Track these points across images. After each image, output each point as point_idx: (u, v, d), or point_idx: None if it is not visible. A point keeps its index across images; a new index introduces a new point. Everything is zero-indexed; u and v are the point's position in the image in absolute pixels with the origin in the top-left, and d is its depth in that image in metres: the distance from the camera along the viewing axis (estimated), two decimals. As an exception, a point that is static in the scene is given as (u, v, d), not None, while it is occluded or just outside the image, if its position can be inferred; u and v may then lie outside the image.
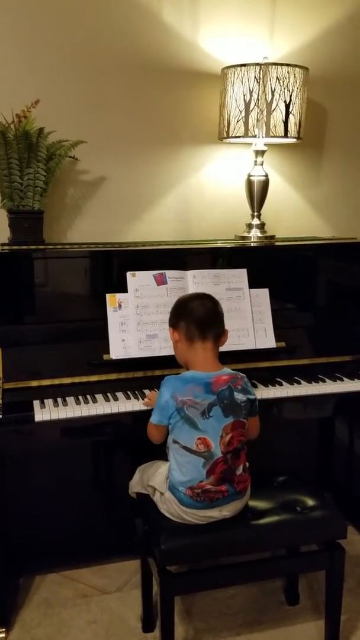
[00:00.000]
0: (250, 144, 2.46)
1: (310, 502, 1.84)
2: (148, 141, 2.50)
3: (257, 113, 2.25)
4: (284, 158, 2.70)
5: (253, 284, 2.25)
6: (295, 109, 2.28)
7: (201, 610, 2.08)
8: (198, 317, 1.73)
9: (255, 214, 2.50)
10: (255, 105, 2.25)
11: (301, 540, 1.83)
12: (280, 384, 2.17)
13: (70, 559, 2.29)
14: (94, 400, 1.98)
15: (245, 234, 2.50)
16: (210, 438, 1.66)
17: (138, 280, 2.12)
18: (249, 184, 2.46)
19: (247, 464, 1.80)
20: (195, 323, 1.73)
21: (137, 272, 2.12)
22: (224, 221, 2.63)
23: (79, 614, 2.06)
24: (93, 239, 2.44)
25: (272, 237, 2.52)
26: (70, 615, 2.05)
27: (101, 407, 1.94)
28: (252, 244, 2.47)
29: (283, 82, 2.23)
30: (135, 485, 1.92)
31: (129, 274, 2.11)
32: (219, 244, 2.40)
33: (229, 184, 2.64)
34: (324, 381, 2.21)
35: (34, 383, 2.00)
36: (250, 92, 2.24)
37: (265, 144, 2.44)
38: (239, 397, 1.70)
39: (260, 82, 2.22)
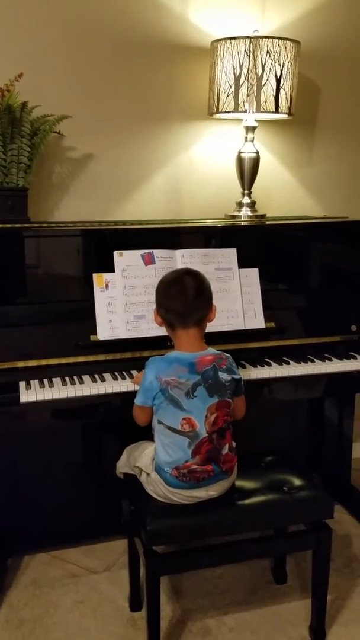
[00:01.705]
0: (240, 120, 2.41)
1: (297, 482, 1.83)
2: (137, 117, 2.44)
3: (248, 87, 2.20)
4: (276, 135, 2.65)
5: (243, 263, 2.21)
6: (286, 84, 2.23)
7: (189, 589, 2.08)
8: (176, 309, 1.68)
9: (246, 192, 2.46)
10: (245, 79, 2.19)
11: (288, 520, 1.83)
12: (269, 365, 2.15)
13: (59, 538, 2.29)
14: (81, 381, 1.96)
15: (236, 213, 2.47)
16: (195, 418, 1.64)
17: (125, 259, 2.08)
18: (240, 161, 2.42)
19: (234, 444, 1.78)
20: (174, 313, 1.69)
21: (124, 252, 2.08)
22: (215, 200, 2.58)
23: (66, 594, 2.06)
24: (81, 218, 2.39)
25: (263, 216, 2.49)
26: (58, 596, 2.05)
27: (87, 388, 1.92)
28: (242, 223, 2.43)
29: (274, 55, 2.17)
30: (123, 466, 1.91)
31: (116, 254, 2.07)
32: (209, 223, 2.36)
33: (219, 161, 2.59)
34: (313, 362, 2.19)
35: (20, 364, 1.98)
36: (240, 66, 2.19)
37: (256, 120, 2.39)
38: (224, 376, 1.68)
39: (251, 56, 2.17)
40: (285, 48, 2.19)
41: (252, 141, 2.41)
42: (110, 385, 1.94)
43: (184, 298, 1.69)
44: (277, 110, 2.24)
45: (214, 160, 2.58)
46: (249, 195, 2.47)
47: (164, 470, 1.68)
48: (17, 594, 2.06)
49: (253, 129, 2.40)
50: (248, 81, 2.20)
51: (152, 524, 1.64)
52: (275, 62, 2.18)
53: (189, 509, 1.69)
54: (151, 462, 1.74)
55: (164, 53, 2.41)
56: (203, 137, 2.55)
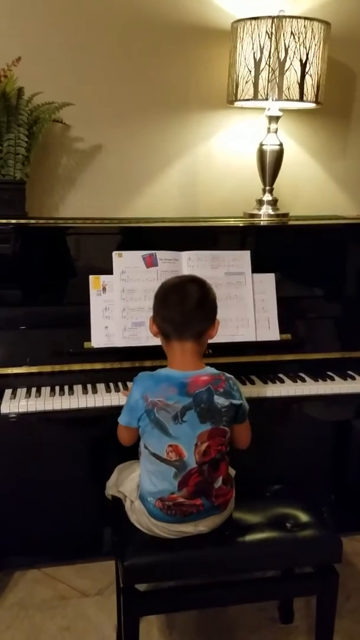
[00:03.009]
0: (264, 109, 2.20)
1: (303, 518, 1.62)
2: (151, 106, 2.27)
3: (269, 73, 1.98)
4: (305, 126, 2.42)
5: (259, 268, 2.02)
6: (312, 69, 2.00)
7: (185, 623, 1.90)
8: (175, 317, 1.49)
9: (267, 188, 2.25)
10: (266, 64, 1.98)
11: (287, 562, 1.63)
12: (282, 381, 1.95)
13: (54, 555, 2.14)
14: (71, 392, 1.82)
15: (255, 212, 2.26)
16: (182, 446, 1.45)
17: (125, 261, 1.92)
18: (261, 154, 2.21)
19: (232, 473, 1.59)
20: (171, 322, 1.50)
21: (123, 252, 1.92)
22: (235, 196, 2.39)
23: (52, 619, 1.92)
24: (88, 213, 2.24)
25: (286, 215, 2.27)
26: (44, 619, 1.92)
27: (76, 400, 1.78)
28: (261, 223, 2.22)
29: (299, 37, 1.95)
30: (111, 487, 1.74)
31: (114, 254, 1.91)
32: (221, 222, 2.16)
33: (241, 154, 2.38)
34: (332, 379, 1.98)
35: (11, 370, 1.85)
36: (261, 49, 1.98)
37: (281, 109, 2.18)
38: (220, 401, 1.48)
39: (273, 38, 1.95)
40: (312, 29, 1.97)
41: (276, 132, 2.20)
42: (101, 398, 1.79)
43: (183, 306, 1.50)
44: (301, 99, 2.02)
45: (235, 153, 2.38)
46: (271, 192, 2.25)
47: (148, 501, 1.50)
48: (1, 614, 1.93)
49: (277, 118, 2.18)
50: (269, 66, 1.98)
51: (131, 559, 1.47)
52: (300, 45, 1.96)
53: (174, 544, 1.51)
54: (136, 488, 1.57)
55: (181, 35, 2.22)
56: (223, 128, 2.35)
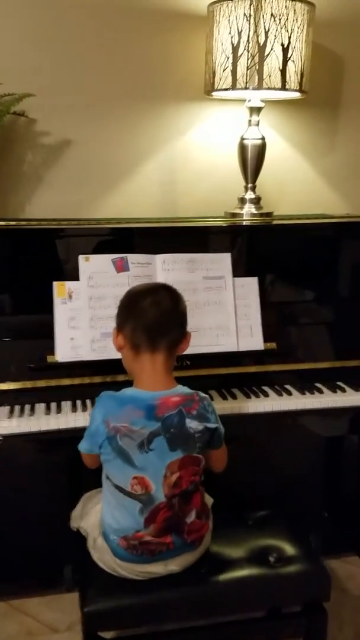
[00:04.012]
0: (244, 100, 2.03)
1: (289, 551, 1.47)
2: (122, 97, 2.10)
3: (248, 59, 1.82)
4: (289, 118, 2.25)
5: (239, 271, 1.86)
6: (295, 55, 1.83)
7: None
8: (148, 323, 1.33)
9: (250, 186, 2.09)
10: (244, 49, 1.81)
11: (270, 602, 1.46)
12: (266, 395, 1.79)
13: (22, 586, 1.97)
14: (32, 413, 1.65)
15: (237, 211, 2.09)
16: (149, 477, 1.29)
17: (93, 265, 1.75)
18: (242, 148, 2.04)
19: (209, 503, 1.44)
20: (143, 329, 1.33)
21: (91, 256, 1.75)
22: (216, 194, 2.21)
23: (17, 658, 1.76)
24: (57, 214, 2.06)
25: (270, 214, 2.11)
26: (7, 660, 1.75)
27: (36, 422, 1.60)
28: (243, 223, 2.05)
29: (280, 19, 1.78)
30: (77, 519, 1.57)
31: (81, 258, 1.75)
32: (199, 222, 2.00)
33: (222, 149, 2.21)
34: (320, 392, 1.82)
35: (-33, 388, 1.68)
36: (239, 33, 1.81)
37: (263, 100, 2.01)
38: (193, 425, 1.31)
39: (252, 20, 1.79)
40: (295, 11, 1.80)
41: (257, 125, 2.03)
42: (64, 419, 1.62)
43: (158, 310, 1.35)
44: (284, 87, 1.85)
45: (215, 148, 2.22)
46: (253, 189, 2.09)
47: (111, 539, 1.34)
48: None
49: (258, 110, 2.02)
50: (248, 51, 1.81)
51: (92, 605, 1.30)
52: (281, 28, 1.79)
53: (141, 586, 1.34)
54: (99, 523, 1.40)
55: (154, 20, 2.05)
56: (201, 121, 2.19)
